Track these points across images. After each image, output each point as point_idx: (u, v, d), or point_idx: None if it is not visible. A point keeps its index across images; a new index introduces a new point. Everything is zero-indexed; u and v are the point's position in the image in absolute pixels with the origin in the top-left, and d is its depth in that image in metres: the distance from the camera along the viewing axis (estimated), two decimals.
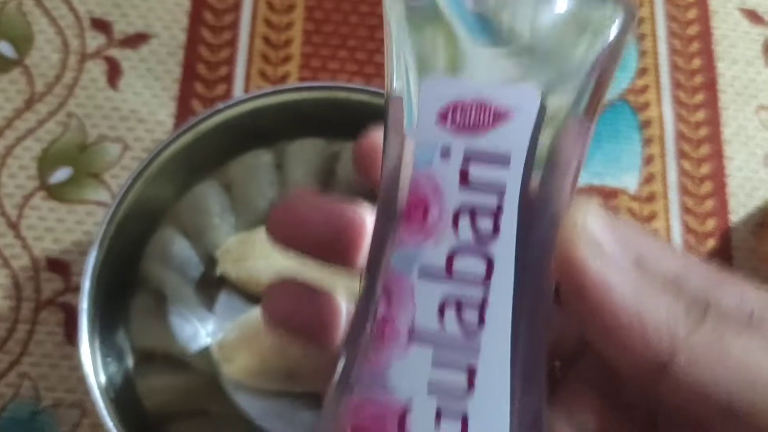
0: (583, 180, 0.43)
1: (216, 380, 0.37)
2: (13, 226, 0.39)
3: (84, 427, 0.36)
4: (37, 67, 0.41)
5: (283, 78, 0.42)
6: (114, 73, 0.41)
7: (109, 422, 0.30)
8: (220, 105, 0.34)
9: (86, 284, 0.31)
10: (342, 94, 0.35)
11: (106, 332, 0.32)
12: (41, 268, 0.38)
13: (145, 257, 0.36)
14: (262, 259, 0.36)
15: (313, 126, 0.37)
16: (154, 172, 0.34)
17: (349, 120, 0.36)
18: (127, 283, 0.35)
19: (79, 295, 0.38)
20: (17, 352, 0.37)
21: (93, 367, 0.30)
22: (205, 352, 0.38)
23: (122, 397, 0.32)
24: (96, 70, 0.41)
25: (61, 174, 0.40)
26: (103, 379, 0.30)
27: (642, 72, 0.45)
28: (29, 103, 0.40)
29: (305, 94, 0.35)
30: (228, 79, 0.42)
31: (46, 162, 0.40)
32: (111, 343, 0.33)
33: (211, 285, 0.39)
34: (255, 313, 0.36)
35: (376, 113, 0.36)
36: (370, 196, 0.39)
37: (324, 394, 0.20)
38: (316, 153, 0.38)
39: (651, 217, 0.43)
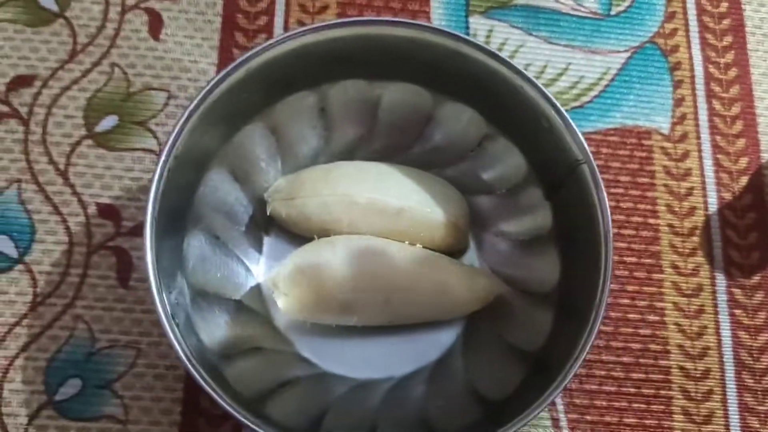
0: (616, 121, 0.43)
1: (268, 318, 0.38)
2: (62, 174, 0.39)
3: (139, 367, 0.37)
4: (79, 19, 0.42)
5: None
6: (155, 23, 0.42)
7: (181, 353, 0.30)
8: (264, 44, 0.34)
9: (148, 219, 0.31)
10: (386, 30, 0.35)
11: (165, 272, 0.33)
12: (91, 214, 0.39)
13: (197, 199, 0.36)
14: (312, 197, 0.37)
15: (356, 66, 0.37)
16: (203, 114, 0.34)
17: (392, 58, 0.37)
18: (181, 224, 0.35)
19: (129, 239, 0.39)
20: (70, 295, 0.38)
21: (161, 302, 0.30)
22: (256, 291, 0.38)
23: (185, 333, 0.32)
24: (137, 21, 0.42)
25: (107, 122, 0.40)
26: (170, 314, 0.31)
27: (670, 16, 0.46)
28: (72, 54, 0.41)
29: (347, 30, 0.35)
30: (267, 29, 0.43)
31: (92, 111, 0.40)
32: (171, 281, 0.33)
33: (260, 227, 0.39)
34: (309, 247, 0.36)
35: (419, 50, 0.37)
36: (410, 142, 0.40)
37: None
38: (358, 95, 0.39)
39: (684, 156, 0.43)
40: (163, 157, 0.31)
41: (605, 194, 0.33)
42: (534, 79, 0.34)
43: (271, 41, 0.34)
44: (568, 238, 0.36)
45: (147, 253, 0.30)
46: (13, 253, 0.38)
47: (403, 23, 0.35)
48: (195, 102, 0.33)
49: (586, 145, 0.33)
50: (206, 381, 0.30)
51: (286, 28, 0.43)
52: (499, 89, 0.36)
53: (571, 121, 0.34)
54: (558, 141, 0.35)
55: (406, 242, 0.37)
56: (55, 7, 0.42)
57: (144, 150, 0.40)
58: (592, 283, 0.33)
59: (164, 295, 0.31)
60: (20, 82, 0.40)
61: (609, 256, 0.32)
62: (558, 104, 0.34)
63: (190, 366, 0.30)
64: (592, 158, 0.33)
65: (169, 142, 0.32)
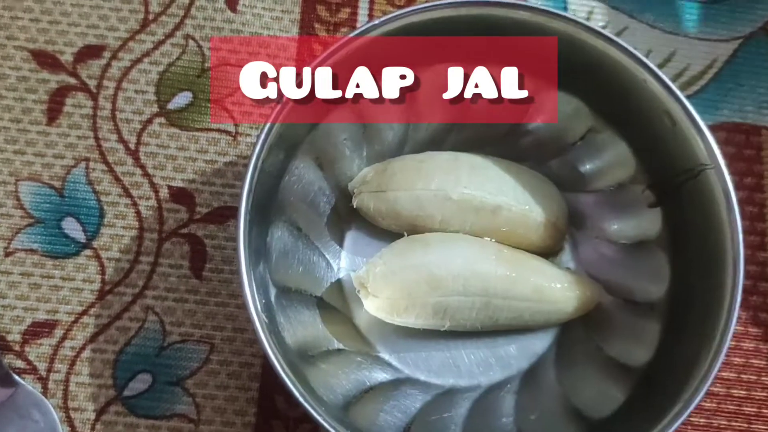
0: (722, 116, 0.40)
1: (348, 317, 0.36)
2: (132, 154, 0.37)
3: (213, 364, 0.35)
4: None
5: (410, 1, 0.40)
6: None
7: (270, 351, 0.28)
8: (368, 24, 0.31)
9: (242, 214, 0.29)
10: (496, 11, 0.32)
11: (251, 264, 0.30)
12: (163, 198, 0.36)
13: (282, 189, 0.33)
14: (404, 190, 0.34)
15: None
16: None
17: (490, 43, 0.34)
18: (266, 215, 0.33)
19: (203, 226, 0.36)
20: (140, 284, 0.35)
21: (252, 298, 0.28)
22: (337, 287, 0.36)
23: (270, 329, 0.30)
24: None
25: (180, 99, 0.37)
26: (260, 311, 0.28)
27: None
28: (144, 24, 0.38)
29: (453, 11, 0.32)
30: (351, 2, 0.39)
31: (164, 86, 0.37)
32: (257, 274, 0.31)
33: (342, 219, 0.37)
34: (400, 244, 0.34)
35: (526, 35, 0.33)
36: (504, 131, 0.37)
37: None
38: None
39: None
40: (258, 145, 0.29)
41: (738, 213, 0.29)
42: (661, 73, 0.31)
43: (375, 21, 0.30)
44: (681, 245, 0.33)
45: (240, 247, 0.28)
46: (81, 236, 0.36)
47: (516, 5, 0.32)
48: None
49: (716, 148, 0.30)
50: (294, 383, 0.28)
51: (371, 3, 0.39)
52: (615, 80, 0.32)
53: (700, 120, 0.31)
54: (680, 141, 0.31)
55: (494, 240, 0.35)
56: None
57: (219, 131, 0.37)
58: (714, 301, 0.30)
59: (254, 289, 0.29)
60: (88, 52, 0.37)
61: (738, 283, 0.29)
62: (686, 101, 0.31)
63: (278, 366, 0.28)
64: (723, 165, 0.30)
65: (265, 129, 0.29)
